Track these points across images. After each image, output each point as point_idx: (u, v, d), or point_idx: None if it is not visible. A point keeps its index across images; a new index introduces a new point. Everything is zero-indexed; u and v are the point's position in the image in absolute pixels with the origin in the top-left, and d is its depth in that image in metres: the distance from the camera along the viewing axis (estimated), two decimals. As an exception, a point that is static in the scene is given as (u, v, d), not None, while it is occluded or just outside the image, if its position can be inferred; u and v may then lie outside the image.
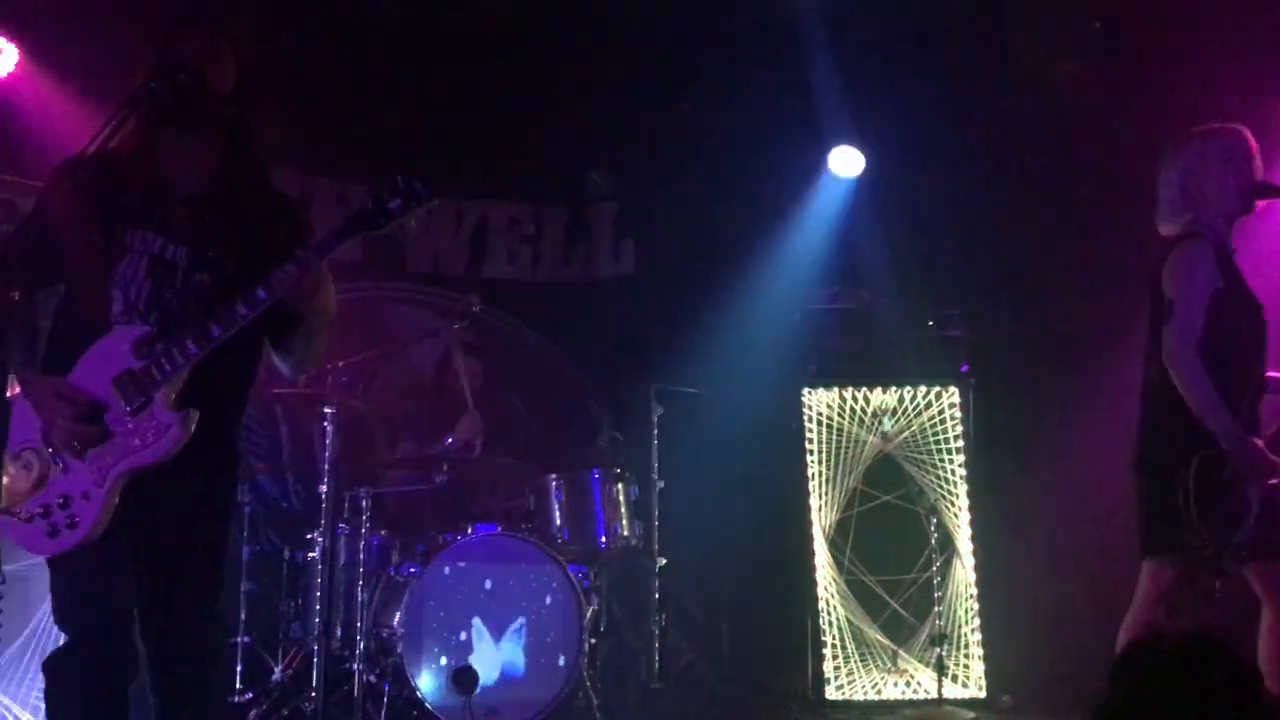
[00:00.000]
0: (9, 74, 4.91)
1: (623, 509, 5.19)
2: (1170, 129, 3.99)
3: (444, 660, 4.62)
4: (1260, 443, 3.49)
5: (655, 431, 5.52)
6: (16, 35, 4.92)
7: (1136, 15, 5.26)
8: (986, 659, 5.56)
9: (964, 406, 5.79)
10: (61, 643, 2.61)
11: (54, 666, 2.61)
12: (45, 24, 4.91)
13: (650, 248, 6.92)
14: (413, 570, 4.77)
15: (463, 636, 4.69)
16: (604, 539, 5.13)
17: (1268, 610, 3.56)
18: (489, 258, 6.90)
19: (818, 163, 6.40)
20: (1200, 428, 3.48)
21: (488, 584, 4.78)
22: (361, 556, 4.80)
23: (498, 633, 4.74)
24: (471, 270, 6.83)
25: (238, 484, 2.84)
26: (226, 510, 2.79)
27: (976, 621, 5.63)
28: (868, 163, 6.33)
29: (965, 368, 5.86)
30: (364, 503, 4.72)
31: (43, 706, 2.64)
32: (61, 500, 2.52)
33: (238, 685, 4.85)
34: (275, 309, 2.61)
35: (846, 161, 6.39)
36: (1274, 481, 3.46)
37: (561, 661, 4.77)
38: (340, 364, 4.63)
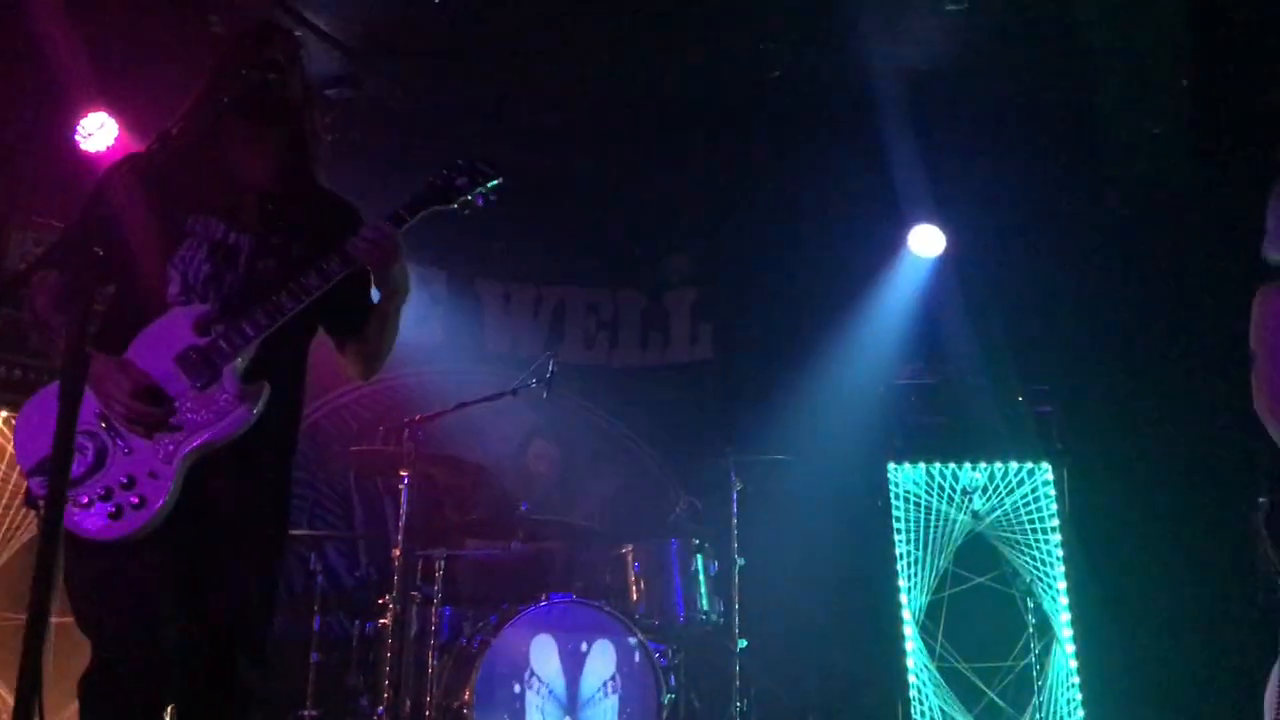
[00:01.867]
0: (109, 147, 5.13)
1: (702, 583, 5.01)
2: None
3: (516, 733, 4.44)
4: None
5: (735, 507, 5.34)
6: (116, 110, 5.13)
7: (1223, 81, 5.17)
8: (1092, 753, 5.21)
9: (1058, 484, 5.56)
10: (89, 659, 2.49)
11: (85, 690, 2.48)
12: (141, 99, 5.12)
13: (728, 331, 6.87)
14: (484, 641, 4.62)
15: (535, 710, 4.50)
16: (682, 612, 4.94)
17: None
18: (566, 342, 6.90)
19: (898, 241, 6.34)
20: None
21: (562, 655, 4.61)
22: (433, 625, 4.67)
23: (572, 707, 4.54)
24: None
25: (291, 486, 2.74)
26: (284, 509, 2.71)
27: (1080, 713, 5.28)
28: (949, 241, 6.25)
29: (1059, 444, 5.65)
30: (438, 564, 4.62)
31: None
32: (126, 480, 2.46)
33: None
34: (342, 299, 2.61)
35: (927, 240, 6.32)
36: None
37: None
38: (417, 417, 4.60)
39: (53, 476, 1.89)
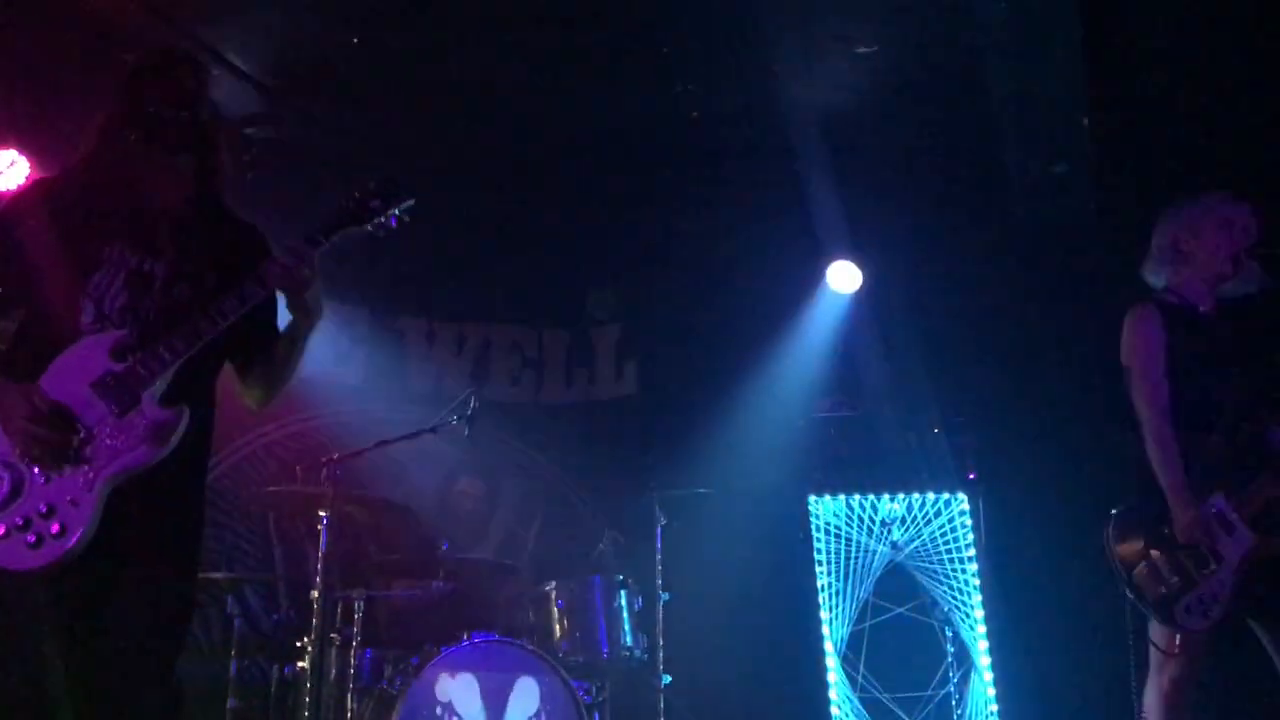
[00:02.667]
0: (20, 185, 4.93)
1: (625, 619, 5.02)
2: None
3: (438, 776, 4.38)
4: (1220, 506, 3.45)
5: (659, 542, 5.37)
6: (26, 147, 5.06)
7: (1121, 122, 5.38)
8: (1012, 780, 5.29)
9: (974, 514, 5.68)
10: None
11: None
12: (51, 135, 5.06)
13: (652, 367, 6.91)
14: (405, 682, 4.57)
15: (458, 751, 4.46)
16: (606, 648, 4.94)
17: None
18: (492, 379, 6.89)
19: (816, 277, 6.44)
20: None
21: (484, 695, 4.57)
22: (353, 668, 4.60)
23: (495, 747, 4.51)
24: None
25: (205, 509, 2.73)
26: (199, 530, 2.68)
27: (999, 740, 5.37)
28: (866, 276, 6.37)
29: (973, 475, 5.77)
30: (357, 605, 4.56)
31: None
32: (45, 509, 2.42)
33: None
34: (251, 325, 2.62)
35: (844, 276, 6.43)
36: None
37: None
38: (335, 456, 4.56)
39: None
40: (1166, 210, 3.87)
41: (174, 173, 2.66)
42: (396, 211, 2.74)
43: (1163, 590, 3.46)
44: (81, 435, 2.46)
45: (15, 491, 2.43)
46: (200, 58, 2.79)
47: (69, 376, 2.49)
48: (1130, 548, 3.56)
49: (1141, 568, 3.51)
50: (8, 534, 2.41)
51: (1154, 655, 3.56)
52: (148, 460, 2.48)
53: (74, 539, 2.41)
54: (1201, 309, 3.75)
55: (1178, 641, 3.49)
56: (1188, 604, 3.43)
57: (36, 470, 2.46)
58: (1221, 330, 3.73)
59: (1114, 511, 3.66)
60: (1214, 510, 3.47)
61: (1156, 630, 3.55)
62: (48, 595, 2.47)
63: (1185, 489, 3.50)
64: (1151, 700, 3.56)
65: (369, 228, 2.73)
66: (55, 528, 2.42)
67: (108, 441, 2.46)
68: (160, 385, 2.53)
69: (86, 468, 2.45)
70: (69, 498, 2.43)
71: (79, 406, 2.48)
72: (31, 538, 2.40)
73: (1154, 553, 3.50)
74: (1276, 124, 5.17)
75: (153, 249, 2.62)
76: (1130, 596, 3.54)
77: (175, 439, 2.50)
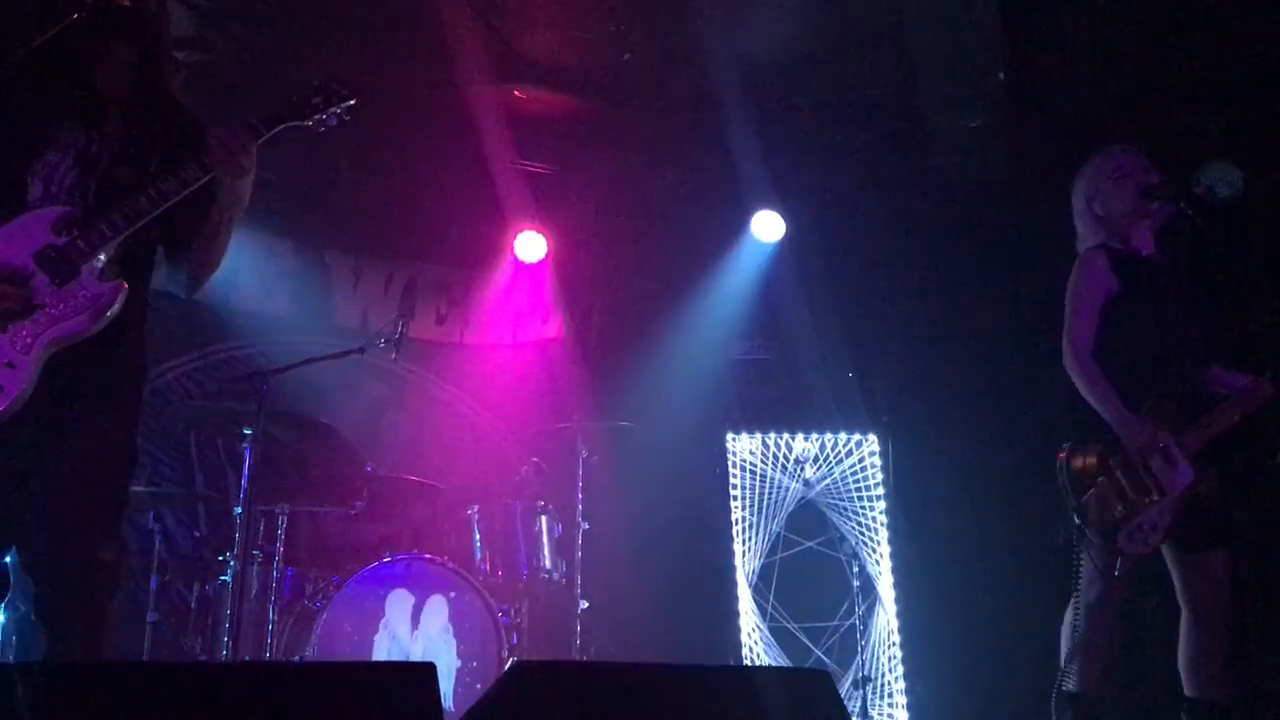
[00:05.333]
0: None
1: (545, 542, 5.15)
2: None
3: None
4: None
5: (580, 471, 5.50)
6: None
7: (1036, 77, 5.59)
8: (909, 707, 5.54)
9: (883, 454, 5.90)
10: None
11: None
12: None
13: (577, 309, 7.01)
14: (326, 598, 4.65)
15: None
16: (525, 571, 5.07)
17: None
18: (417, 319, 6.92)
19: (740, 226, 6.60)
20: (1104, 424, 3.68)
21: (404, 610, 4.67)
22: (274, 584, 4.67)
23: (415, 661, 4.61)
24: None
25: (143, 382, 2.81)
26: (137, 403, 2.77)
27: (900, 669, 5.61)
28: (788, 226, 6.55)
29: (885, 418, 5.99)
30: (280, 520, 4.62)
31: None
32: None
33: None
34: (185, 209, 2.69)
35: (768, 226, 6.60)
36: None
37: (480, 690, 4.63)
38: (269, 370, 4.60)
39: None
40: (1071, 183, 4.09)
41: (121, 60, 2.73)
42: (338, 110, 2.84)
43: (1108, 516, 3.62)
44: (23, 299, 2.52)
45: None
46: None
47: (12, 244, 2.57)
48: (1086, 467, 3.69)
49: (1090, 495, 3.66)
50: None
51: (1086, 575, 3.75)
52: (84, 330, 2.57)
53: (10, 398, 2.50)
54: (1144, 253, 3.95)
55: (1118, 565, 3.69)
56: (1130, 531, 3.62)
57: None
58: (1164, 272, 3.92)
59: (1067, 442, 3.79)
60: (1161, 445, 3.65)
61: (1096, 553, 3.71)
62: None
63: (1126, 408, 3.67)
64: (1079, 618, 3.76)
65: (309, 123, 2.82)
66: None
67: (49, 310, 2.54)
68: (99, 261, 2.60)
69: (26, 332, 2.52)
70: (6, 360, 2.52)
71: (21, 275, 2.54)
72: None
73: (1106, 476, 3.64)
74: (1190, 76, 5.41)
75: (99, 131, 2.68)
76: (1076, 521, 3.68)
77: (113, 312, 2.59)
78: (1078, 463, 3.73)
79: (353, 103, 2.83)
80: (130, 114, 2.72)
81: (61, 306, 2.55)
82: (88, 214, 2.61)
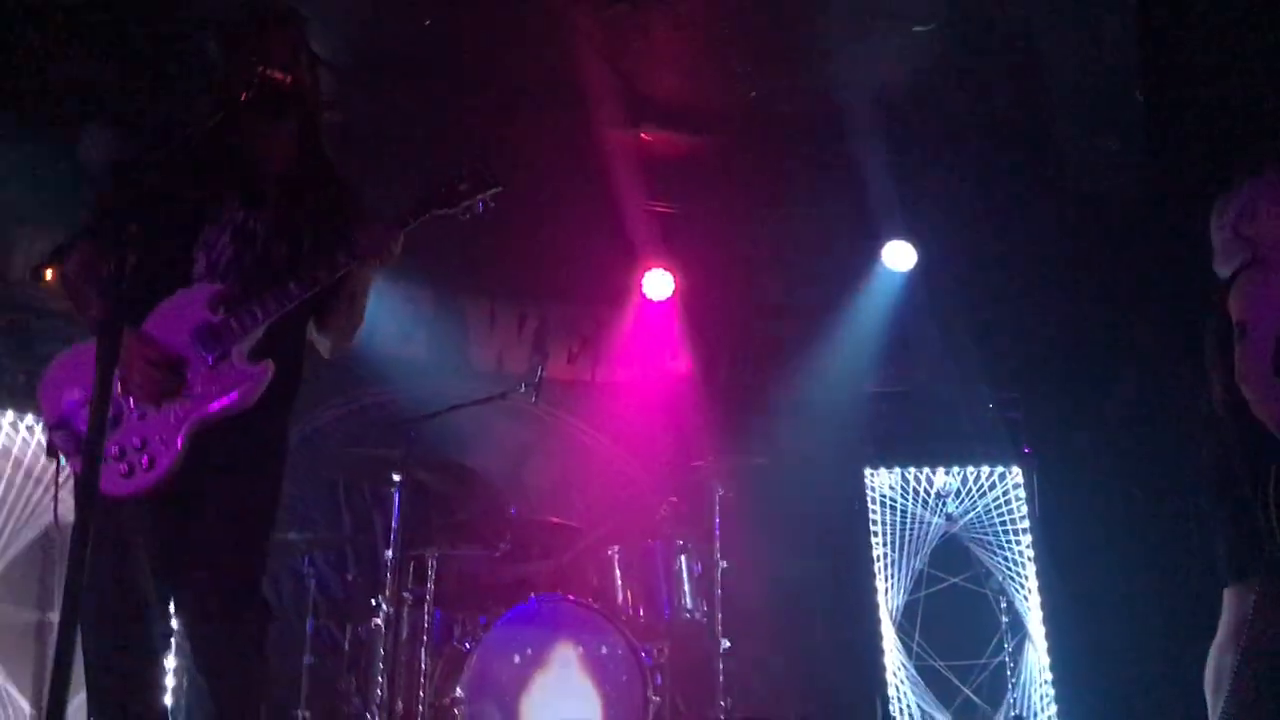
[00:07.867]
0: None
1: (685, 581, 5.15)
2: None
3: (507, 728, 4.54)
4: None
5: (716, 511, 5.49)
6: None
7: (1175, 97, 5.42)
8: (1065, 747, 5.37)
9: (1028, 487, 5.75)
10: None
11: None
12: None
13: (707, 346, 7.02)
14: (475, 639, 4.73)
15: (525, 705, 4.61)
16: (667, 611, 5.07)
17: None
18: (550, 358, 7.00)
19: (871, 256, 6.54)
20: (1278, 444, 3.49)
21: (550, 652, 4.72)
22: (425, 624, 4.78)
23: (561, 701, 4.66)
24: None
25: (286, 456, 2.91)
26: (279, 479, 2.86)
27: (1053, 708, 5.44)
28: (920, 255, 6.46)
29: (1027, 449, 5.85)
30: (430, 564, 4.74)
31: None
32: (140, 443, 2.65)
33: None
34: (329, 286, 2.79)
35: (899, 255, 6.52)
36: None
37: (626, 734, 4.66)
38: (417, 418, 4.73)
39: (91, 435, 2.05)
40: (1216, 203, 3.94)
41: (282, 138, 2.85)
42: (485, 197, 2.88)
43: None
44: (177, 380, 2.67)
45: (115, 423, 2.65)
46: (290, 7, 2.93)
47: (172, 322, 2.71)
48: None
49: None
50: (105, 461, 2.59)
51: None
52: (233, 408, 2.69)
53: (159, 473, 2.64)
54: None
55: None
56: None
57: (133, 404, 2.66)
58: None
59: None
60: None
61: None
62: (134, 520, 2.68)
63: None
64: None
65: (456, 211, 2.87)
66: (146, 461, 2.65)
67: (199, 388, 2.68)
68: (250, 341, 2.73)
69: (178, 409, 2.66)
70: (159, 435, 2.66)
71: (177, 357, 2.69)
72: (124, 468, 2.64)
73: None
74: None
75: (257, 206, 2.81)
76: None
77: (260, 391, 2.71)
78: None
79: (500, 190, 2.87)
80: (288, 189, 2.85)
81: (213, 385, 2.69)
82: (245, 291, 2.74)
